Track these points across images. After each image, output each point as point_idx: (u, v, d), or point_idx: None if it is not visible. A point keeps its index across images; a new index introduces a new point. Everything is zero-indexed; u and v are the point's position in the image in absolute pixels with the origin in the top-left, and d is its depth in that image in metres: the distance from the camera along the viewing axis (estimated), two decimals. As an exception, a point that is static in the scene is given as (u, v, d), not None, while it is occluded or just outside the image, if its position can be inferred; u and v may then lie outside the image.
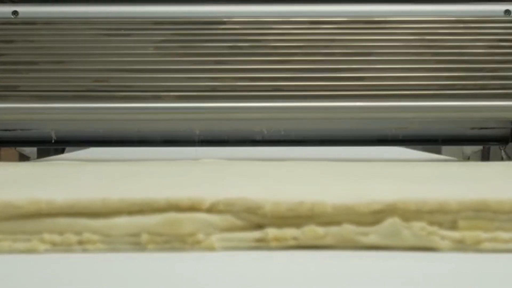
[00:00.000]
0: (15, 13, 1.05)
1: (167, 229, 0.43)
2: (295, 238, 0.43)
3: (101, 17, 1.06)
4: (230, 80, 1.01)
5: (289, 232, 0.43)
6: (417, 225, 0.43)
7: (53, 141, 1.05)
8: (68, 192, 0.46)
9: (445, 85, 1.01)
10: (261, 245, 0.43)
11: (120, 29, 1.05)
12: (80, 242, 0.43)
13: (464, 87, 1.01)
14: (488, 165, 0.79)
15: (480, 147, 1.21)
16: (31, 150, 1.22)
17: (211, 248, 0.43)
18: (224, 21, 1.05)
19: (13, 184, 0.54)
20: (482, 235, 0.43)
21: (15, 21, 1.05)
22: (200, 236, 0.43)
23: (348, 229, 0.43)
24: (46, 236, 0.43)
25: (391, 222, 0.42)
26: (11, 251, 0.43)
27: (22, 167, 0.71)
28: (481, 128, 1.05)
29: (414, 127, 1.05)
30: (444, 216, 0.43)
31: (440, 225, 0.43)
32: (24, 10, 1.06)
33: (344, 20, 1.06)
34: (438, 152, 1.39)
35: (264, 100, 1.00)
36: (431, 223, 0.43)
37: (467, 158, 1.25)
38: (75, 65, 1.03)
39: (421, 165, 0.74)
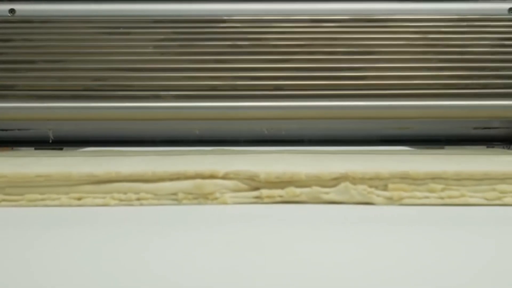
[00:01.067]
0: (12, 11, 1.04)
1: (196, 190, 0.66)
2: (280, 196, 0.66)
3: (99, 15, 1.05)
4: (230, 79, 1.00)
5: (276, 192, 0.66)
6: (361, 187, 0.65)
7: (50, 141, 1.04)
8: (126, 167, 0.69)
9: (448, 84, 1.00)
10: (258, 200, 0.66)
11: (119, 28, 1.04)
12: (138, 199, 0.66)
13: (467, 86, 1.00)
14: (431, 151, 1.00)
15: (483, 147, 1.20)
16: (28, 150, 1.21)
17: (225, 203, 0.66)
18: (224, 19, 1.05)
19: (84, 162, 0.78)
20: (404, 194, 0.65)
21: (12, 19, 1.04)
22: (217, 195, 0.66)
23: (315, 190, 0.66)
24: (115, 195, 0.66)
25: (344, 185, 0.65)
26: (92, 205, 0.65)
27: (77, 153, 0.93)
28: (484, 128, 1.04)
29: (417, 127, 1.03)
30: (379, 182, 0.65)
31: (376, 187, 0.65)
32: (21, 8, 1.05)
33: (346, 18, 1.05)
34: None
35: (264, 100, 0.99)
36: (370, 186, 0.65)
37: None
38: (73, 64, 1.01)
39: (377, 153, 0.94)
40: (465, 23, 1.04)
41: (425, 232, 0.54)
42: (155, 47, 1.02)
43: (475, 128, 1.04)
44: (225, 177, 0.66)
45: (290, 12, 1.05)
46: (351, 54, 1.02)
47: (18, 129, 1.04)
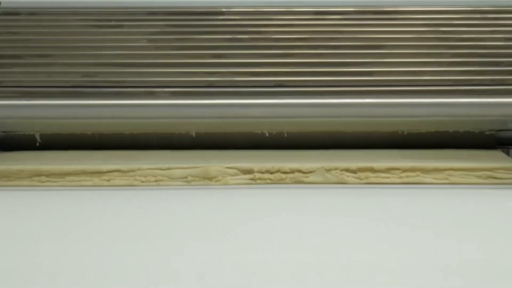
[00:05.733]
0: (-4, 2, 1.01)
1: (203, 174, 0.89)
2: (269, 179, 0.89)
3: (90, 7, 1.01)
4: (229, 75, 0.96)
5: (266, 176, 0.89)
6: (334, 171, 0.89)
7: (37, 144, 0.99)
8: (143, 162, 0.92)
9: (461, 80, 0.95)
10: (252, 182, 0.89)
11: (111, 20, 1.00)
12: (156, 181, 0.89)
13: (481, 83, 0.95)
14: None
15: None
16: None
17: (227, 184, 0.89)
18: (223, 11, 1.01)
19: (111, 157, 0.95)
20: (371, 175, 0.89)
21: (-3, 11, 1.01)
22: (220, 178, 0.89)
23: (298, 175, 0.89)
24: (138, 177, 0.89)
25: (320, 169, 0.89)
26: (118, 185, 0.89)
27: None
28: (499, 130, 0.99)
29: (427, 129, 0.99)
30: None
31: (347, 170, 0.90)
32: (7, -1, 1.01)
33: (351, 10, 1.01)
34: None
35: (265, 97, 0.95)
36: (342, 170, 0.90)
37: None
38: (62, 59, 0.97)
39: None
40: (478, 15, 1.00)
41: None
42: (149, 40, 0.99)
43: (489, 131, 0.99)
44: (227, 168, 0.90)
45: (292, 3, 1.02)
46: (357, 49, 0.98)
47: (3, 132, 1.00)
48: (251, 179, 0.89)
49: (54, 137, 1.00)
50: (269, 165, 0.89)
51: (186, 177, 0.89)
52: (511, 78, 0.96)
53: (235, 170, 0.89)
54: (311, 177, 0.89)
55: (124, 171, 0.89)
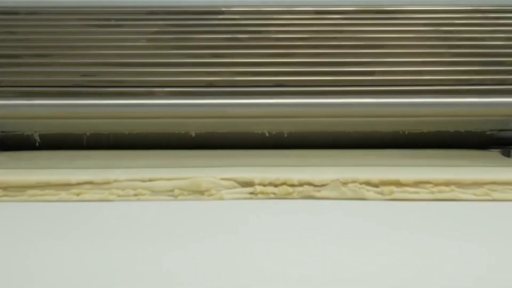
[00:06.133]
0: (-6, 2, 1.00)
1: (192, 187, 0.76)
2: (273, 193, 0.76)
3: (89, 7, 1.00)
4: (229, 74, 0.95)
5: (270, 189, 0.77)
6: (352, 184, 0.76)
7: (37, 144, 0.98)
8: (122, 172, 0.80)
9: (462, 80, 0.95)
10: (252, 196, 0.76)
11: (110, 20, 0.99)
12: (136, 194, 0.76)
13: (482, 82, 0.94)
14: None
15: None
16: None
17: (221, 199, 0.76)
18: (222, 10, 1.00)
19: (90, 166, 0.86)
20: (395, 189, 0.76)
21: (-5, 10, 1.00)
22: (213, 191, 0.76)
23: (307, 189, 0.76)
24: (114, 190, 0.76)
25: (335, 182, 0.76)
26: (91, 200, 0.75)
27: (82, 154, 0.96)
28: (501, 130, 0.98)
29: (428, 129, 0.98)
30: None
31: (368, 183, 0.76)
32: (5, -2, 1.00)
33: (352, 9, 1.00)
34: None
35: (265, 97, 0.94)
36: (361, 183, 0.76)
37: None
38: (61, 59, 0.96)
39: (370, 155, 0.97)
40: (479, 15, 0.99)
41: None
42: (148, 40, 0.98)
43: (490, 131, 0.98)
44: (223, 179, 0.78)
45: (293, 3, 1.01)
46: (357, 48, 0.97)
47: (2, 132, 0.99)
48: (251, 193, 0.76)
49: (54, 137, 0.99)
50: (272, 176, 0.76)
51: (172, 190, 0.76)
52: (512, 78, 0.95)
53: (232, 182, 0.76)
54: (324, 192, 0.76)
55: (97, 183, 0.76)
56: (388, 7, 1.00)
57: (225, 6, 1.00)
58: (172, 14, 1.00)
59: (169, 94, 0.94)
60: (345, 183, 0.75)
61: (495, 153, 0.98)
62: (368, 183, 0.75)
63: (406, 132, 0.99)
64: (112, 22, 0.99)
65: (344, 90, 0.94)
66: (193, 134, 0.98)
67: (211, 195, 0.76)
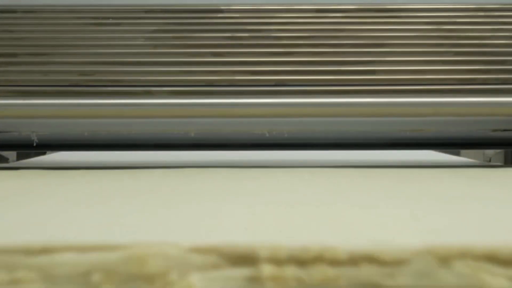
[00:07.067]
0: (-9, 0, 0.98)
1: (130, 267, 0.35)
2: (298, 279, 0.34)
3: (87, 5, 0.99)
4: (229, 73, 0.94)
5: (290, 271, 0.35)
6: (459, 263, 0.35)
7: (34, 144, 0.97)
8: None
9: (464, 79, 0.93)
10: (255, 286, 0.35)
11: (108, 18, 0.98)
12: (14, 282, 0.34)
13: (485, 82, 0.93)
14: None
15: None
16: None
17: None
18: (222, 9, 0.99)
19: None
20: None
21: (-9, 8, 0.98)
22: (173, 276, 0.35)
23: (368, 272, 0.35)
24: None
25: (424, 262, 0.34)
26: None
27: None
28: (504, 130, 0.96)
29: (431, 129, 0.97)
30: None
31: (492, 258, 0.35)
32: (2, -4, 0.99)
33: (353, 8, 0.99)
34: (457, 153, 1.31)
35: (265, 96, 0.93)
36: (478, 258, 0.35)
37: (489, 160, 1.17)
38: (59, 58, 0.95)
39: (448, 182, 0.67)
40: (482, 13, 0.98)
41: None
42: (146, 39, 0.96)
43: (494, 131, 0.97)
44: (190, 250, 0.36)
45: (293, 1, 0.99)
46: (359, 47, 0.96)
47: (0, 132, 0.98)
48: (252, 279, 0.35)
49: (51, 137, 0.98)
50: (293, 241, 0.36)
51: (86, 276, 0.35)
52: (516, 77, 0.94)
53: (213, 257, 0.35)
54: (402, 278, 0.35)
55: None
56: (389, 6, 0.99)
57: (224, 5, 0.99)
58: (171, 13, 0.98)
59: (168, 93, 0.93)
60: (444, 260, 0.35)
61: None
62: (492, 258, 0.35)
63: (408, 133, 0.97)
64: (110, 21, 0.98)
65: (345, 90, 0.93)
66: (192, 134, 0.97)
67: (169, 285, 0.35)
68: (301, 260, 0.35)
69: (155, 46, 0.96)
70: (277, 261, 0.35)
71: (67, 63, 0.95)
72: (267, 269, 0.35)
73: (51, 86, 0.94)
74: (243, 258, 0.35)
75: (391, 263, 0.34)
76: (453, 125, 0.96)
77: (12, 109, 0.94)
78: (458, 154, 1.31)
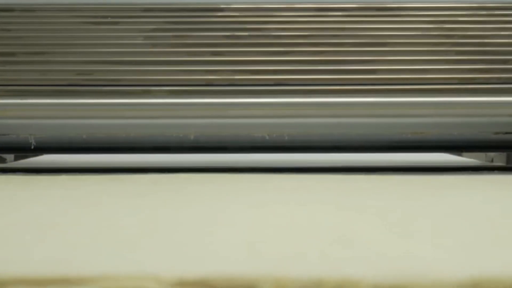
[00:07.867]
0: (-12, -2, 0.98)
1: None
2: None
3: (85, 4, 0.98)
4: (228, 73, 0.93)
5: None
6: None
7: (32, 147, 0.95)
8: None
9: (466, 78, 0.93)
10: None
11: (107, 17, 0.97)
12: None
13: (487, 81, 0.92)
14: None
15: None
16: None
17: None
18: (222, 7, 0.98)
19: None
20: None
21: (-11, 7, 0.98)
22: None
23: None
24: None
25: None
26: None
27: None
28: (506, 133, 0.95)
29: (432, 132, 0.95)
30: None
31: None
32: (-1, -5, 0.98)
33: (354, 6, 0.98)
34: (459, 153, 1.30)
35: (265, 95, 0.92)
36: None
37: (491, 160, 1.16)
38: (57, 57, 0.94)
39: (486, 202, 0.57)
40: (485, 12, 0.97)
41: None
42: (145, 38, 0.95)
43: (496, 133, 0.95)
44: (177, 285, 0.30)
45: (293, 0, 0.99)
46: (360, 46, 0.95)
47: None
48: None
49: (49, 140, 0.96)
50: (306, 272, 0.30)
51: None
52: (518, 77, 0.93)
53: None
54: None
55: None
56: (390, 4, 0.98)
57: (224, 3, 0.98)
58: (170, 12, 0.97)
59: (167, 92, 0.93)
60: None
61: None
62: None
63: (409, 135, 0.96)
64: (109, 20, 0.97)
65: (345, 89, 0.92)
66: (192, 137, 0.96)
67: None
68: None
69: (154, 45, 0.95)
70: None
71: (65, 62, 0.94)
72: None
73: (49, 86, 0.93)
74: None
75: None
76: (454, 127, 0.95)
77: (9, 109, 0.93)
78: (460, 154, 1.30)
